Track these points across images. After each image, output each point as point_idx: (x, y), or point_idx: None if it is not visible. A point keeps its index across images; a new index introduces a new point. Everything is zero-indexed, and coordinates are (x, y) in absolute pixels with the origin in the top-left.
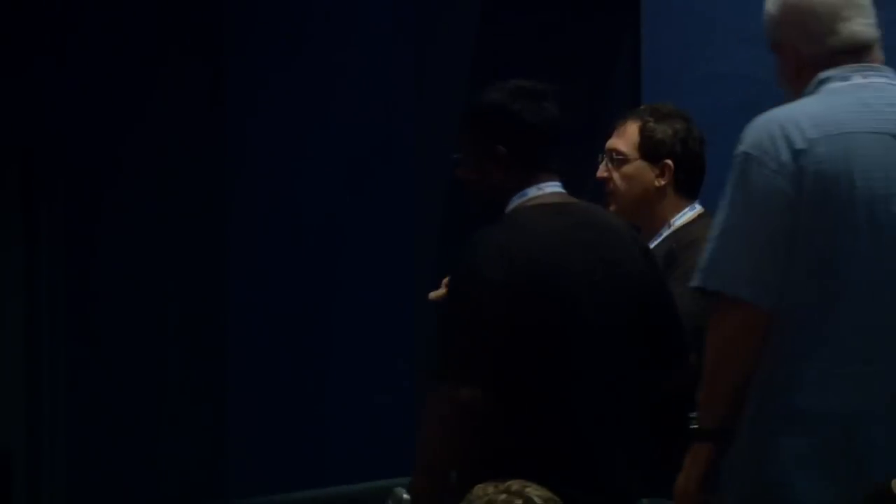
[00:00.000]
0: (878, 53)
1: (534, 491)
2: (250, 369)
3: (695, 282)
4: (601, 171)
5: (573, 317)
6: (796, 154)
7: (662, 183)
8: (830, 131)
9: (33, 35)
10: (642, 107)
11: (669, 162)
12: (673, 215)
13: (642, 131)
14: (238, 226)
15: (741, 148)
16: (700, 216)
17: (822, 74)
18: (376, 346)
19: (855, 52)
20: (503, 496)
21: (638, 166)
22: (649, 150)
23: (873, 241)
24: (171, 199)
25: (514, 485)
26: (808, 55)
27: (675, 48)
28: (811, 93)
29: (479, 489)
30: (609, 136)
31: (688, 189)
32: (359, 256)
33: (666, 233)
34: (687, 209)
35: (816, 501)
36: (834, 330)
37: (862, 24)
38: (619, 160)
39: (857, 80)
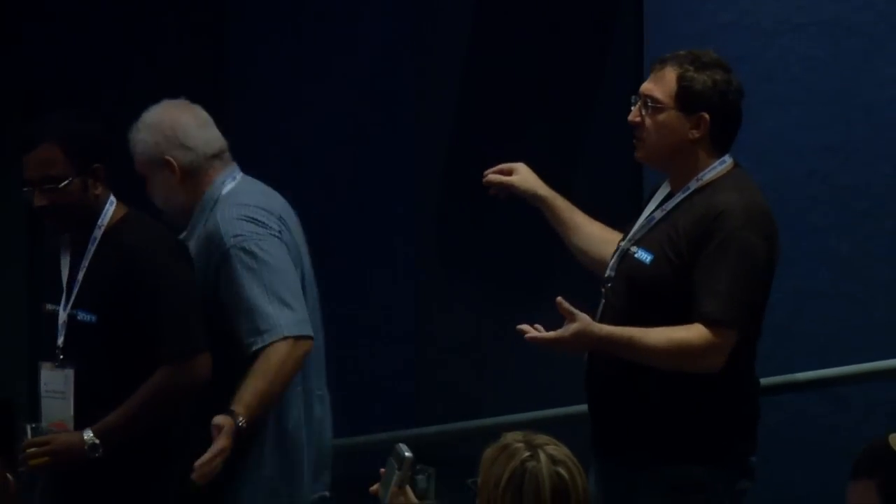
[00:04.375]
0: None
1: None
2: None
3: (271, 339)
4: (633, 115)
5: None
6: (278, 234)
7: (696, 136)
8: (276, 212)
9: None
10: (682, 52)
11: (706, 115)
12: (702, 169)
13: (680, 80)
14: None
15: (240, 242)
16: (730, 170)
17: (218, 178)
18: (379, 333)
19: (223, 154)
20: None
21: (672, 116)
22: (686, 100)
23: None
24: None
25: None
26: (187, 164)
27: None
28: (216, 195)
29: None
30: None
31: (721, 142)
32: (360, 254)
33: (694, 186)
34: (717, 163)
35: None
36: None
37: (217, 131)
38: (654, 107)
39: (240, 174)
